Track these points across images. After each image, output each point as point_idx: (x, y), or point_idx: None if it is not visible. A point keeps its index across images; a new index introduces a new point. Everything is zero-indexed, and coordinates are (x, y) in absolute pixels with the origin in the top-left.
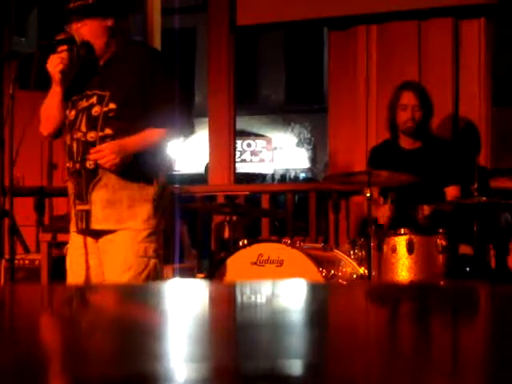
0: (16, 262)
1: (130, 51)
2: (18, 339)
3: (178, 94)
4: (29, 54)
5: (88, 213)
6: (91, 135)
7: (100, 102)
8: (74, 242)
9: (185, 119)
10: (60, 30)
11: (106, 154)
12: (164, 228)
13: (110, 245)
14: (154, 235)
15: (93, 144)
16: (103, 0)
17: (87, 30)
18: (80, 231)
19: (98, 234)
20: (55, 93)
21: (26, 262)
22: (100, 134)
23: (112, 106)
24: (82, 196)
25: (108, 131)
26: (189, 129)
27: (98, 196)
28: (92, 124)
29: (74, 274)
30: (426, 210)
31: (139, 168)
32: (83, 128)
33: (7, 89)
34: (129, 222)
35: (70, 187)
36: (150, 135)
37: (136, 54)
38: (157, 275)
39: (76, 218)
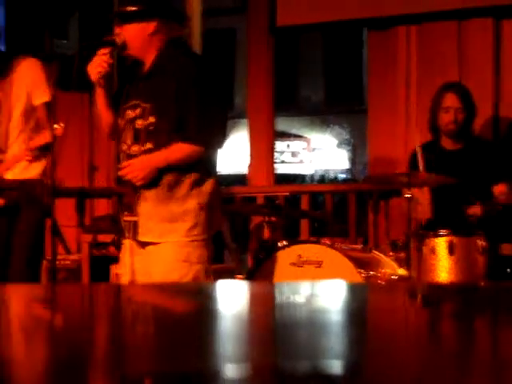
0: (57, 262)
1: (172, 61)
2: (65, 338)
3: (214, 109)
4: (70, 56)
5: (135, 224)
6: (134, 149)
7: (142, 114)
8: (125, 246)
9: (217, 136)
10: (101, 33)
11: (130, 170)
12: (214, 233)
13: (155, 251)
14: (198, 241)
15: (135, 157)
16: (144, 6)
17: (127, 36)
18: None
19: (145, 244)
20: (98, 95)
21: (67, 262)
22: (142, 148)
23: (151, 119)
24: (130, 207)
25: (149, 145)
26: (219, 145)
27: (142, 209)
28: (135, 137)
29: (124, 277)
30: (474, 209)
31: (178, 182)
32: (128, 141)
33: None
34: (171, 235)
35: (124, 196)
36: (179, 150)
37: (177, 66)
38: (200, 281)
39: (124, 227)
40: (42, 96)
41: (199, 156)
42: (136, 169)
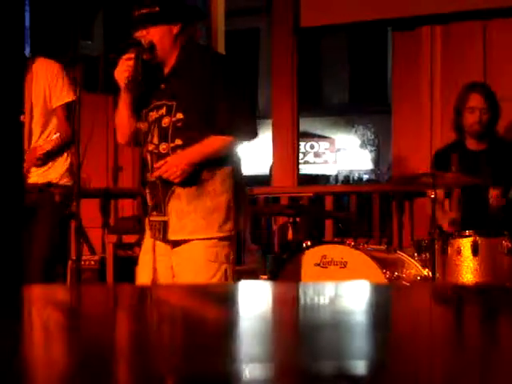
0: (82, 263)
1: (194, 57)
2: (88, 338)
3: (242, 99)
4: (95, 58)
5: (165, 224)
6: (163, 147)
7: (169, 112)
8: (145, 246)
9: (248, 125)
10: (125, 33)
11: (167, 168)
12: (238, 231)
13: (182, 252)
14: (226, 240)
15: (165, 155)
16: (168, 8)
17: (153, 37)
18: (156, 240)
19: (173, 244)
20: (123, 100)
21: (92, 263)
22: (171, 144)
23: (179, 115)
24: (160, 207)
25: (178, 142)
26: (252, 134)
27: (174, 207)
28: (163, 135)
29: (142, 277)
30: (495, 192)
31: (211, 176)
32: (155, 140)
33: (74, 98)
34: (204, 231)
35: (148, 198)
36: (212, 143)
37: (200, 61)
38: (228, 280)
39: (153, 228)
40: (58, 98)
41: (233, 146)
42: (173, 166)
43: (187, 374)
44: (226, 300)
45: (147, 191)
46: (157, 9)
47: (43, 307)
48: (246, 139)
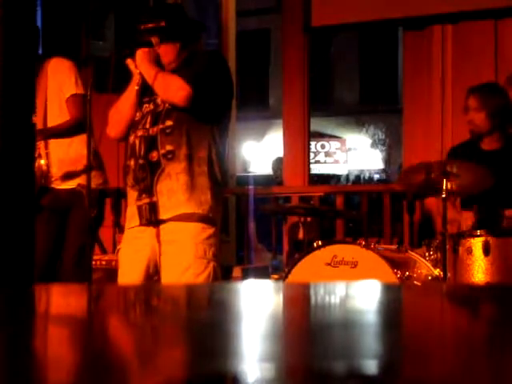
0: (93, 262)
1: (192, 62)
2: (95, 340)
3: (219, 83)
4: (106, 58)
5: (155, 204)
6: (153, 129)
7: (163, 103)
8: (130, 239)
9: (212, 96)
10: (136, 34)
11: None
12: (220, 229)
13: (168, 246)
14: (213, 237)
15: (154, 138)
16: (173, 25)
17: (160, 52)
18: (146, 223)
19: (161, 224)
20: (133, 91)
21: (103, 262)
22: (161, 126)
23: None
24: (149, 189)
25: (169, 123)
26: (211, 108)
27: (163, 186)
28: (155, 119)
29: (129, 272)
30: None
31: (192, 156)
32: (147, 125)
33: (85, 92)
34: (185, 206)
35: (132, 183)
36: (169, 75)
37: (195, 57)
38: (215, 278)
39: (142, 211)
40: (69, 89)
41: (180, 92)
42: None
43: (196, 374)
44: (235, 299)
45: (131, 177)
46: (162, 24)
47: (55, 306)
48: (200, 104)
